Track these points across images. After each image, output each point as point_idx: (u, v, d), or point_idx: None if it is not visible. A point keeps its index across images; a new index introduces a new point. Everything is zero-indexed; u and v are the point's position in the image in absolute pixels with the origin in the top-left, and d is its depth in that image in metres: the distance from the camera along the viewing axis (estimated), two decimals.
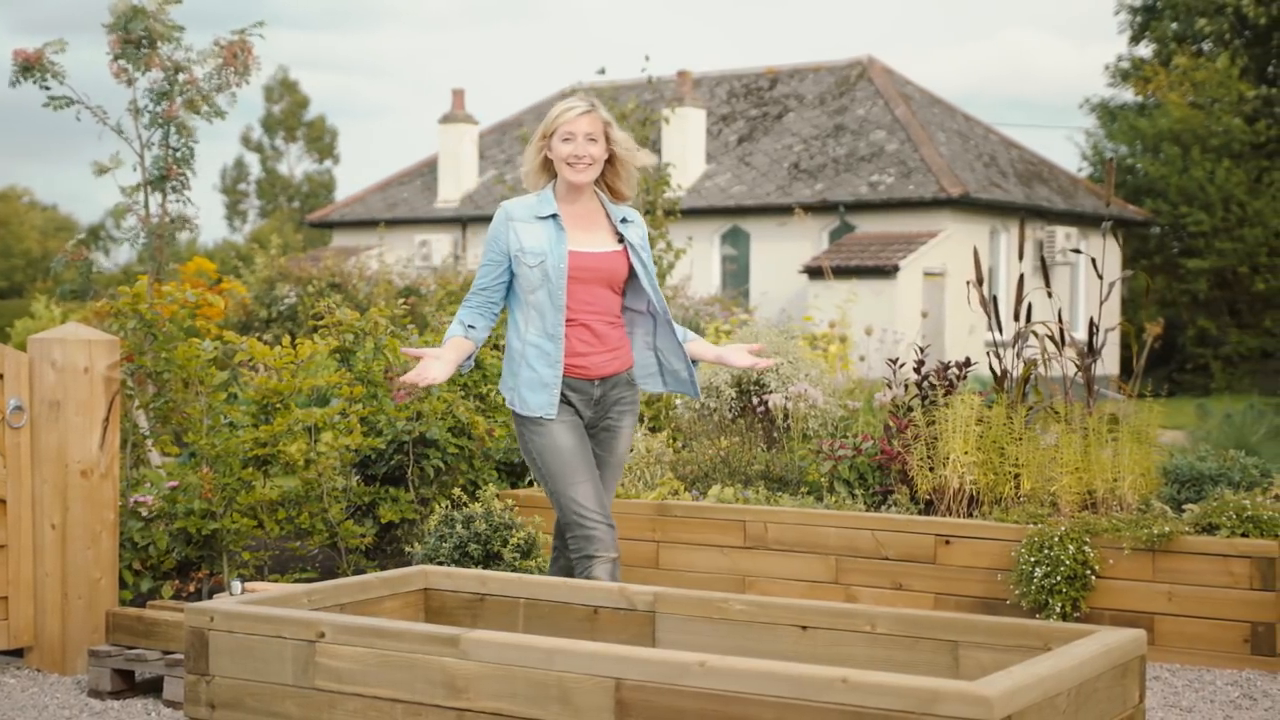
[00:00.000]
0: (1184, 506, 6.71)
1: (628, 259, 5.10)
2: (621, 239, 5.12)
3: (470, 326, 5.14)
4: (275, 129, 59.26)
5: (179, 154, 6.91)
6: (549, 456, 5.03)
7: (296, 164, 60.50)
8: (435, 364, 5.00)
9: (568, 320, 5.03)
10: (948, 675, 4.11)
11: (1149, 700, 5.60)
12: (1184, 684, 5.92)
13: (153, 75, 6.94)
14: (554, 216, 5.04)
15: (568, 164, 5.01)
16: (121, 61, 7.11)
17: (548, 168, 5.15)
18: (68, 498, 5.96)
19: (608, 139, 5.07)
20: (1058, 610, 6.28)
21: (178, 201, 7.02)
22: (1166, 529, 6.25)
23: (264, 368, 7.67)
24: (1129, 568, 6.33)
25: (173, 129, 6.90)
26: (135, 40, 7.09)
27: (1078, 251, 8.11)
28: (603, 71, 19.20)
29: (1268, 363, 28.43)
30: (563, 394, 5.05)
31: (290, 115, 59.25)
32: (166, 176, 6.90)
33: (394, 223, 30.79)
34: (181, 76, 6.90)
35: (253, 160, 60.10)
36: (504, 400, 5.10)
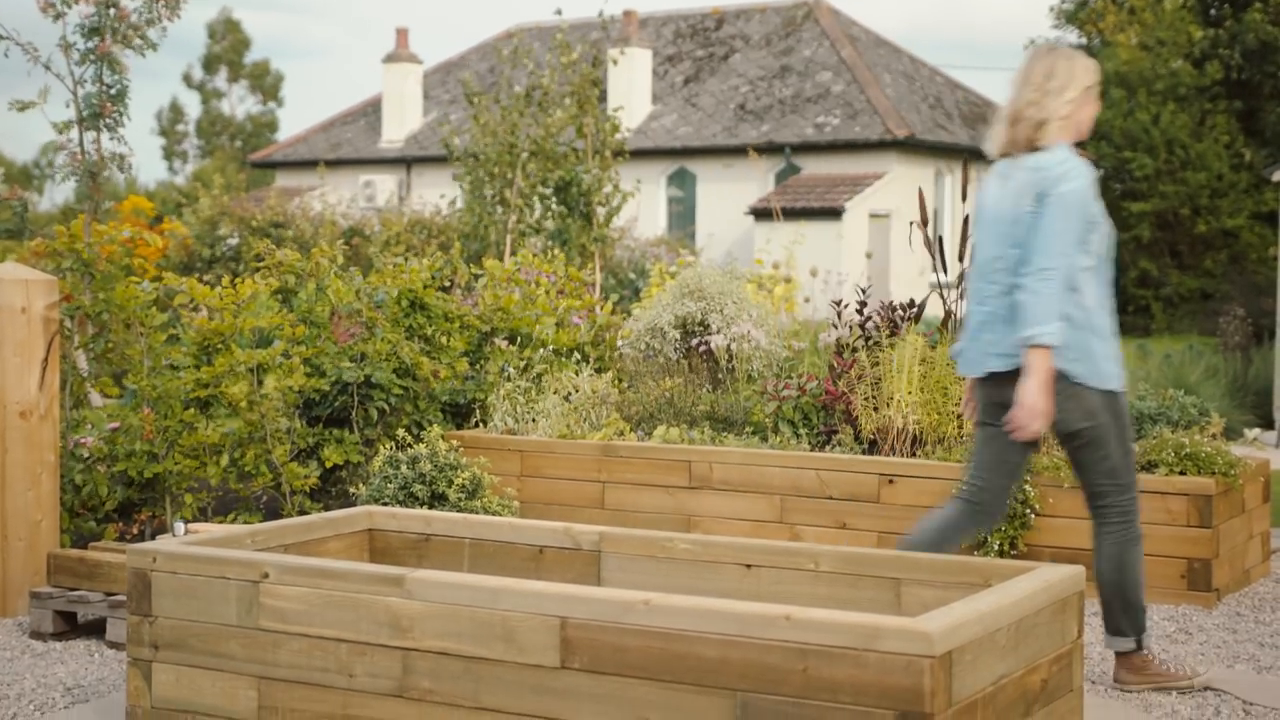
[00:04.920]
0: None
1: None
2: None
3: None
4: (216, 68, 58.50)
5: (113, 91, 6.80)
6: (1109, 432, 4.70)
7: (239, 104, 59.81)
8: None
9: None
10: (890, 612, 4.15)
11: (1087, 635, 5.67)
12: None
13: (82, 9, 6.80)
14: None
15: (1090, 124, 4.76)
16: None
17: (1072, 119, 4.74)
18: (6, 439, 5.90)
19: None
20: (995, 548, 6.35)
21: (113, 139, 6.91)
22: None
23: (205, 309, 7.60)
24: (1069, 505, 6.40)
25: (105, 66, 6.78)
26: None
27: None
28: (559, 12, 19.02)
29: (1207, 304, 28.72)
30: None
31: (232, 54, 58.49)
32: (100, 114, 6.79)
33: (338, 163, 30.50)
34: (113, 11, 6.77)
35: (192, 100, 59.40)
36: (1066, 374, 4.60)
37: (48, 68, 6.77)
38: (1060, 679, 3.83)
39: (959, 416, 6.92)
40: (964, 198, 7.64)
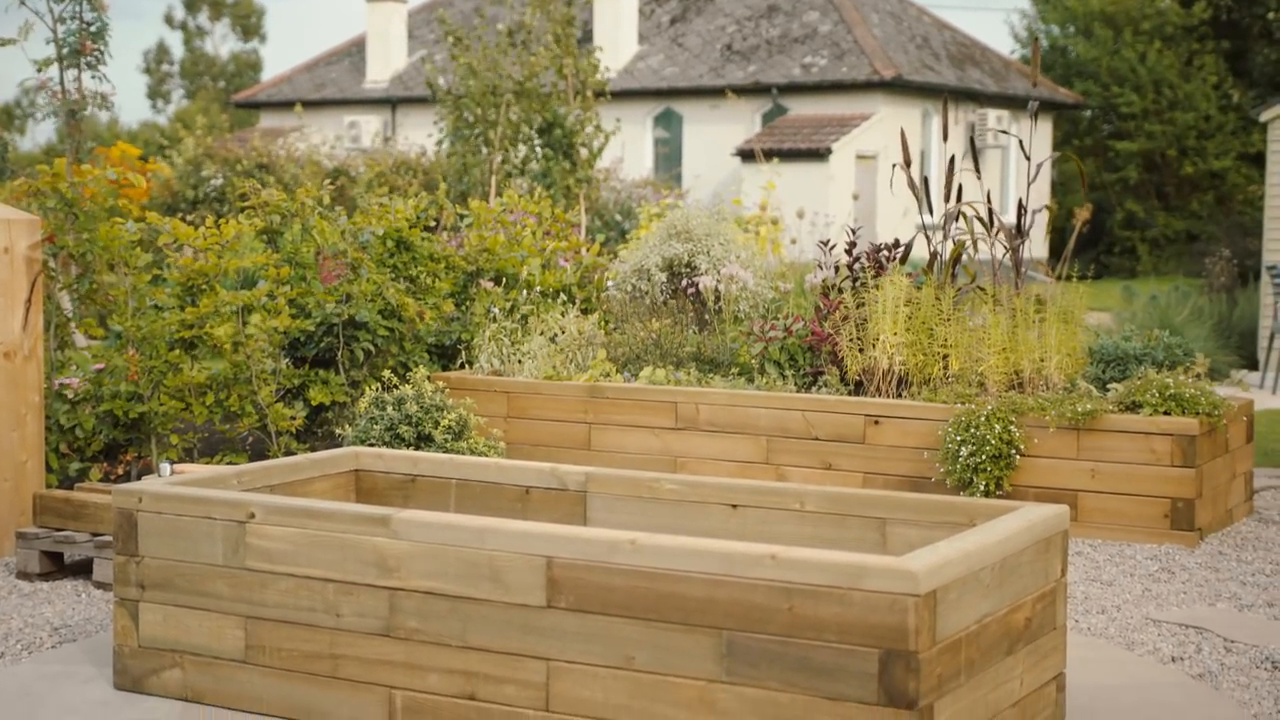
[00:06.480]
0: (1109, 386, 6.81)
1: None
2: None
3: None
4: (199, 6, 57.93)
5: (93, 28, 6.73)
6: None
7: (222, 43, 59.31)
8: None
9: None
10: (876, 551, 4.17)
11: (1071, 574, 5.71)
12: (1105, 558, 6.05)
13: None
14: None
15: None
16: None
17: None
18: None
19: None
20: (981, 488, 6.38)
21: (94, 78, 6.86)
22: (1090, 407, 6.34)
23: (190, 249, 7.56)
24: (1054, 446, 6.42)
25: (85, 2, 6.72)
26: None
27: (1005, 132, 8.13)
28: None
29: (1193, 245, 28.74)
30: None
31: None
32: (81, 52, 6.73)
33: (322, 103, 30.29)
34: None
35: (175, 40, 58.84)
36: None
37: (23, 2, 6.70)
38: (1044, 617, 3.86)
39: (944, 357, 6.93)
40: (945, 138, 7.61)
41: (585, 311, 8.57)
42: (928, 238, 7.49)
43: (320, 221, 7.80)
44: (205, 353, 6.96)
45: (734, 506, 4.40)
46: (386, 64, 30.57)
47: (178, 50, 59.27)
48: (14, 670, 4.46)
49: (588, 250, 9.15)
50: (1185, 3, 32.19)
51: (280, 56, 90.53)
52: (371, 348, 7.50)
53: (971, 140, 7.93)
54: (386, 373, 7.16)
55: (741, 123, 26.54)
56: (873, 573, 3.29)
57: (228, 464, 6.75)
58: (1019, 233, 7.39)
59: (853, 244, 7.63)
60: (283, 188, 17.83)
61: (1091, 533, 6.37)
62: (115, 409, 6.59)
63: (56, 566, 5.62)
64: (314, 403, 7.29)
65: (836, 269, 7.65)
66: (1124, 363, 7.08)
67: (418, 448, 6.26)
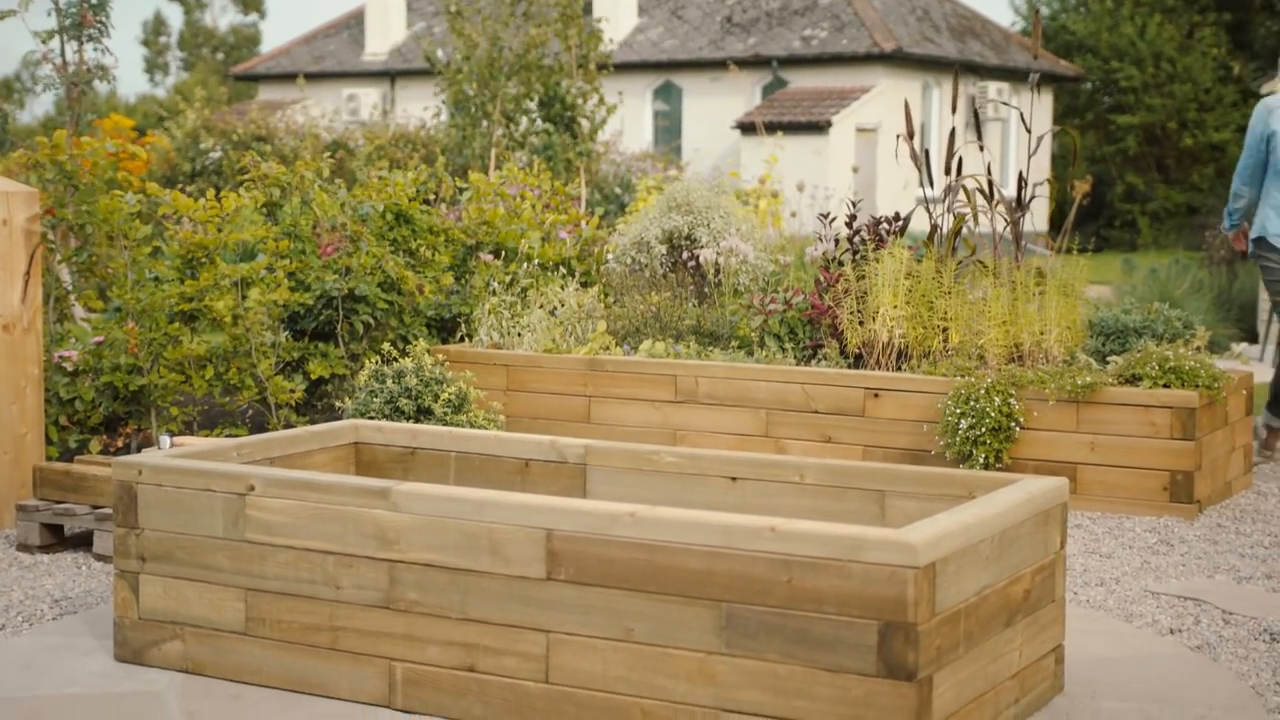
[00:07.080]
0: (1109, 358, 6.81)
1: None
2: None
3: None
4: None
5: (94, 1, 6.71)
6: None
7: (221, 16, 59.13)
8: None
9: None
10: (875, 524, 4.17)
11: (1070, 547, 5.72)
12: (1104, 531, 6.06)
13: None
14: None
15: None
16: None
17: None
18: None
19: None
20: (981, 461, 6.38)
21: (96, 50, 6.84)
22: (1090, 380, 6.34)
23: (189, 222, 7.55)
24: (1053, 419, 6.43)
25: None
26: None
27: (1006, 104, 8.10)
28: None
29: (1193, 218, 28.68)
30: None
31: None
32: (82, 24, 6.71)
33: (321, 76, 30.20)
34: None
35: (174, 12, 58.68)
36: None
37: None
38: (1043, 589, 3.87)
39: (944, 330, 6.93)
40: (954, 109, 7.59)
41: (585, 284, 8.56)
42: (928, 211, 7.47)
43: (320, 194, 7.79)
44: (205, 325, 6.95)
45: (733, 479, 4.40)
46: (385, 36, 30.47)
47: (176, 23, 59.08)
48: (14, 642, 4.47)
49: (587, 223, 9.14)
50: None
51: (279, 28, 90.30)
52: (371, 321, 7.50)
53: (975, 112, 7.91)
54: (386, 346, 7.16)
55: (741, 95, 26.47)
56: (872, 545, 3.30)
57: (227, 436, 6.76)
58: (1019, 205, 7.38)
59: (853, 217, 7.62)
60: (280, 160, 17.80)
61: (1090, 505, 6.38)
62: (115, 381, 6.59)
63: (57, 539, 5.63)
64: (313, 376, 7.29)
65: (836, 242, 7.64)
66: (1124, 336, 7.07)
67: (417, 421, 6.26)
